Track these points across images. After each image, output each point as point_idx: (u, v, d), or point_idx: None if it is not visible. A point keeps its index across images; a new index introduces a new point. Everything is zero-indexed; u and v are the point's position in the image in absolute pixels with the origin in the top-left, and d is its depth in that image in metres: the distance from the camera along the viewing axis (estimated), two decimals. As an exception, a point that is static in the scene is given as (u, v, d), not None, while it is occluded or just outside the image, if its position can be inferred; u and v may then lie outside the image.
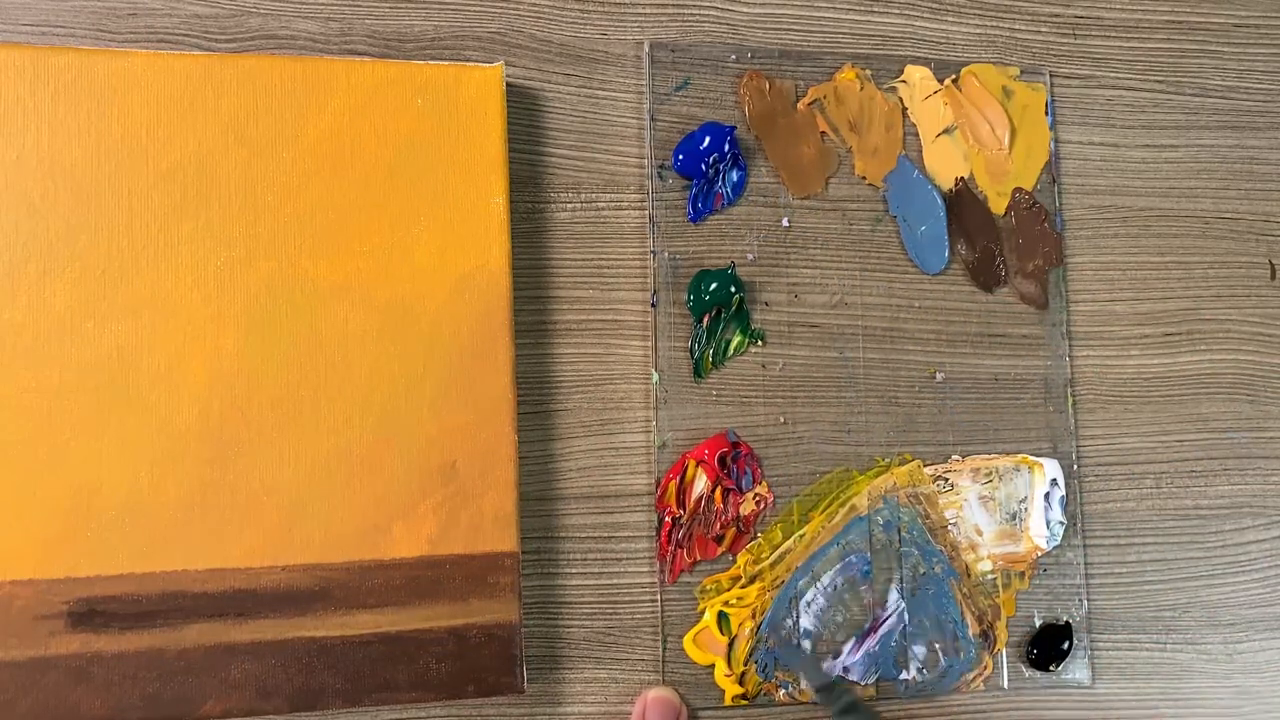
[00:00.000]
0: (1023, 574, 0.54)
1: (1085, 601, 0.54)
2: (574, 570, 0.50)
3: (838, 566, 0.52)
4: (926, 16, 0.57)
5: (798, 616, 0.51)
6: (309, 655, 0.44)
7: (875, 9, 0.56)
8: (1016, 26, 0.58)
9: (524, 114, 0.52)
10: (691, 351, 0.51)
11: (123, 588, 0.43)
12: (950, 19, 0.57)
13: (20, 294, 0.43)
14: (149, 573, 0.43)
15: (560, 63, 0.52)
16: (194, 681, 0.43)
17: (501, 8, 0.52)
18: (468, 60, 0.51)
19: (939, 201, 0.55)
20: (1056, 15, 0.58)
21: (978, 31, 0.57)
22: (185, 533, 0.44)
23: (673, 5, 0.54)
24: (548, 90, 0.52)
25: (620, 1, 0.53)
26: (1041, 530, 0.54)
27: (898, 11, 0.56)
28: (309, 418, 0.45)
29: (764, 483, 0.52)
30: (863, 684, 0.51)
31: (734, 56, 0.54)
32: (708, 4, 0.54)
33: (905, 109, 0.55)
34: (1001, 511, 0.53)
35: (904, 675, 0.52)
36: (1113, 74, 0.59)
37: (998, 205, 0.56)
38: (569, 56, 0.53)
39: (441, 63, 0.48)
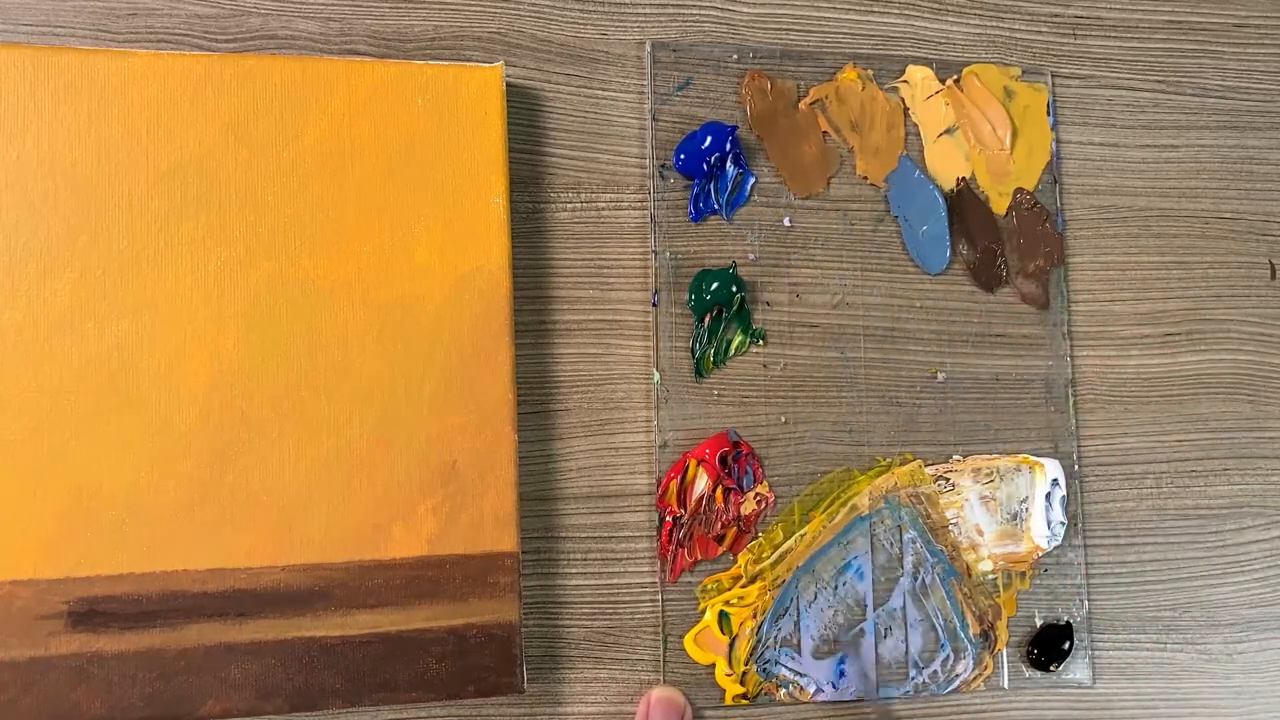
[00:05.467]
0: (1023, 574, 0.54)
1: (1086, 601, 0.54)
2: (574, 570, 0.50)
3: (839, 566, 0.52)
4: (927, 16, 0.57)
5: (799, 616, 0.51)
6: (309, 655, 0.44)
7: (875, 9, 0.56)
8: (1016, 26, 0.58)
9: (524, 114, 0.52)
10: (693, 351, 0.51)
11: (123, 588, 0.43)
12: (950, 19, 0.57)
13: (20, 294, 0.43)
14: (149, 573, 0.43)
15: (560, 63, 0.52)
16: (194, 681, 0.43)
17: (501, 8, 0.52)
18: (468, 60, 0.51)
19: (940, 201, 0.55)
20: (1056, 15, 0.58)
21: (978, 31, 0.57)
22: (185, 533, 0.44)
23: (673, 5, 0.54)
24: (548, 90, 0.52)
25: (620, 1, 0.53)
26: (1042, 530, 0.54)
27: (898, 11, 0.56)
28: (309, 418, 0.45)
29: (765, 482, 0.52)
30: (863, 684, 0.51)
31: (735, 56, 0.54)
32: (708, 4, 0.54)
33: (907, 109, 0.55)
34: (1002, 511, 0.53)
35: (904, 675, 0.52)
36: (1113, 74, 0.59)
37: (999, 205, 0.56)
38: (569, 56, 0.53)
39: (441, 63, 0.48)
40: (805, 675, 0.51)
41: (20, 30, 0.48)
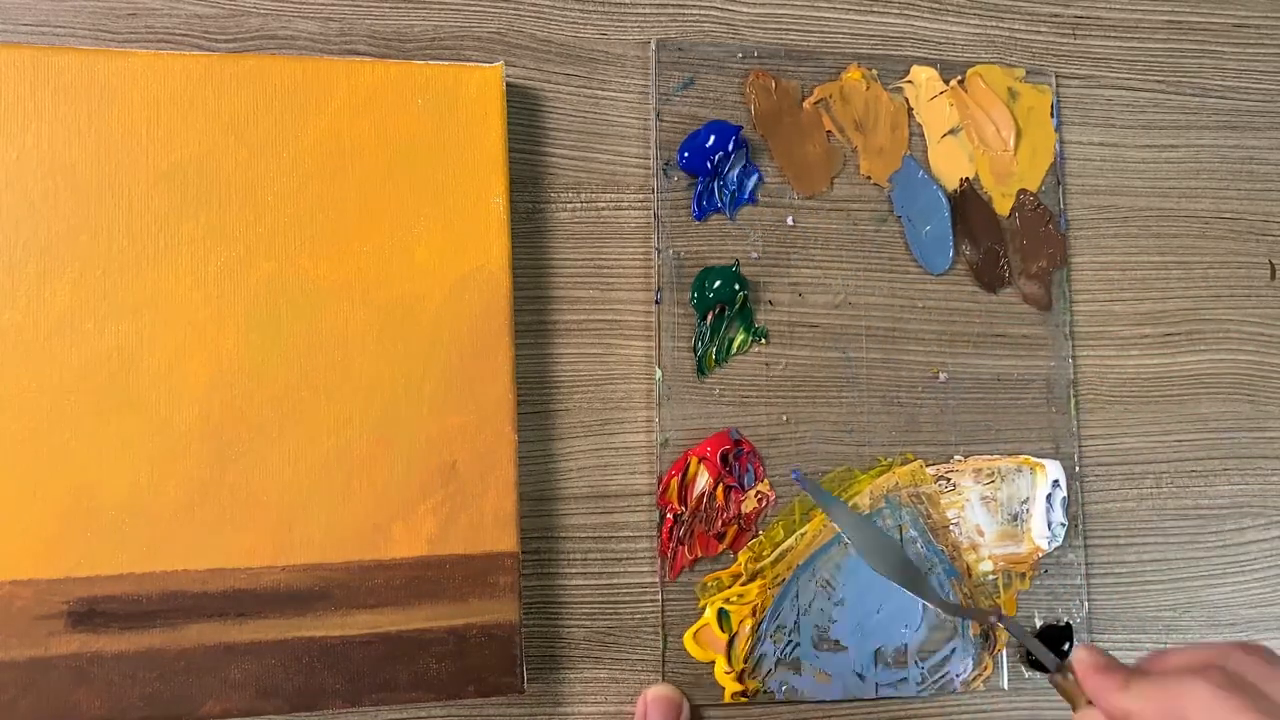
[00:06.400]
0: (1024, 574, 0.54)
1: (1086, 602, 0.54)
2: (574, 570, 0.50)
3: (838, 565, 0.52)
4: (926, 16, 0.57)
5: (799, 615, 0.51)
6: (309, 655, 0.44)
7: (875, 9, 0.56)
8: (1016, 26, 0.58)
9: (524, 114, 0.51)
10: (695, 349, 0.51)
11: (123, 588, 0.43)
12: (950, 19, 0.57)
13: (20, 294, 0.43)
14: (149, 573, 0.43)
15: (560, 63, 0.52)
16: (194, 681, 0.43)
17: (501, 8, 0.52)
18: (468, 60, 0.51)
19: (944, 202, 0.55)
20: (1056, 15, 0.58)
21: (977, 31, 0.57)
22: (185, 533, 0.44)
23: (673, 5, 0.54)
24: (548, 90, 0.52)
25: (620, 1, 0.53)
26: (1043, 531, 0.54)
27: (897, 11, 0.56)
28: (309, 418, 0.45)
29: (766, 481, 0.52)
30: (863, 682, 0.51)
31: (740, 56, 0.53)
32: (708, 4, 0.54)
33: (911, 109, 0.55)
34: (1003, 512, 0.53)
35: (904, 675, 0.52)
36: (1113, 74, 0.59)
37: (1002, 206, 0.56)
38: (569, 56, 0.52)
39: (441, 63, 0.48)
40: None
41: (20, 30, 0.47)
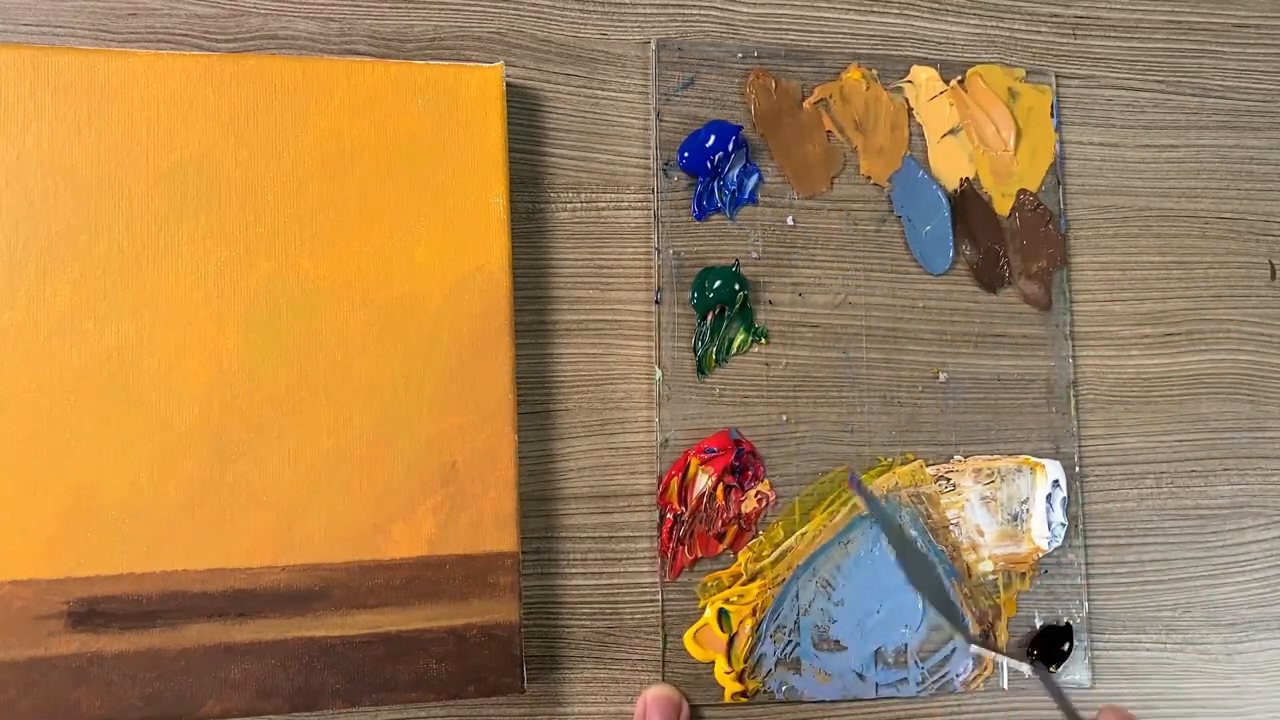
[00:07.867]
0: (1024, 574, 0.54)
1: (1086, 602, 0.54)
2: (574, 570, 0.50)
3: (838, 565, 0.52)
4: (926, 16, 0.57)
5: (799, 615, 0.51)
6: (309, 655, 0.44)
7: (875, 9, 0.56)
8: (1016, 26, 0.58)
9: (524, 114, 0.51)
10: (695, 349, 0.51)
11: (123, 588, 0.43)
12: (950, 19, 0.57)
13: (20, 294, 0.43)
14: (149, 573, 0.43)
15: (560, 63, 0.52)
16: (194, 681, 0.43)
17: (501, 8, 0.52)
18: (468, 60, 0.51)
19: (944, 202, 0.55)
20: (1056, 15, 0.58)
21: (977, 31, 0.57)
22: (185, 533, 0.44)
23: (673, 5, 0.54)
24: (548, 90, 0.52)
25: (620, 1, 0.53)
26: (1043, 531, 0.54)
27: (897, 11, 0.56)
28: (309, 418, 0.45)
29: (766, 481, 0.52)
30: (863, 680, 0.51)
31: (740, 55, 0.53)
32: (708, 4, 0.54)
33: (911, 109, 0.55)
34: (1003, 512, 0.53)
35: (904, 675, 0.52)
36: (1113, 74, 0.59)
37: (1002, 206, 0.56)
38: (569, 56, 0.52)
39: (441, 63, 0.48)
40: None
41: (20, 30, 0.47)
